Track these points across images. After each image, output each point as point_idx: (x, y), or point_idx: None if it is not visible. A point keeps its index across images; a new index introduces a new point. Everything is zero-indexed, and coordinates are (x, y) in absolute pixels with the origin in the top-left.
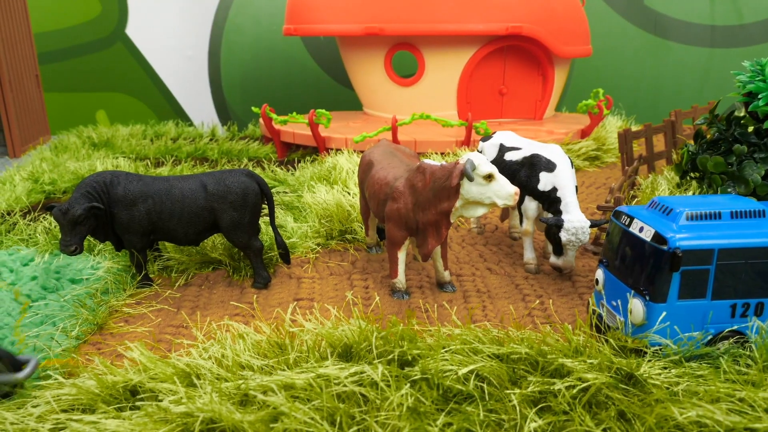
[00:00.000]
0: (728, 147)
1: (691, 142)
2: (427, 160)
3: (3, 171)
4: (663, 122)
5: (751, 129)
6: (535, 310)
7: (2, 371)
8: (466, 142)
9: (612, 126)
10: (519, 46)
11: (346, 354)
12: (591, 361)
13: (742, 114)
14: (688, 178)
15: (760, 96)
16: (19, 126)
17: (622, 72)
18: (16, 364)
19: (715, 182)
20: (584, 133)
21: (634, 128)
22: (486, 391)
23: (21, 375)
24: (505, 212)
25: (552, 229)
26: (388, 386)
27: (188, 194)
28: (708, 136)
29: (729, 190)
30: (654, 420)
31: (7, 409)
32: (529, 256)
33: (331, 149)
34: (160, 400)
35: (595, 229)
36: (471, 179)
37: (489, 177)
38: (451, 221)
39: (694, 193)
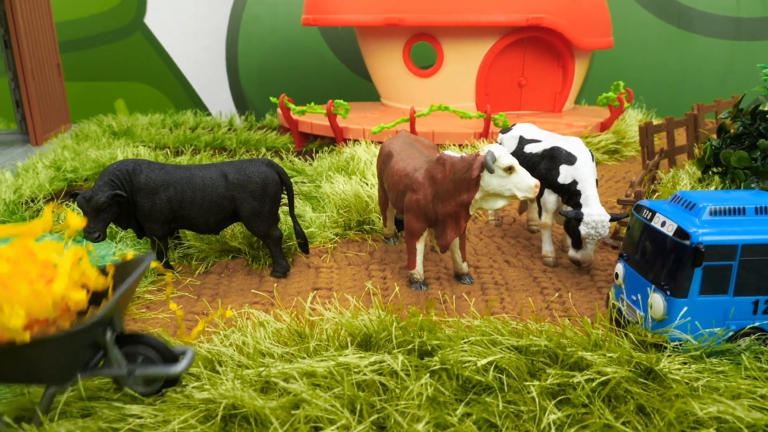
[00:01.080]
0: (752, 142)
1: (714, 136)
2: (447, 152)
3: (26, 159)
4: (685, 116)
5: None
6: (554, 303)
7: (158, 363)
8: (485, 134)
9: (632, 119)
10: (539, 38)
11: (366, 343)
12: (610, 355)
13: (767, 108)
14: (710, 173)
15: None
16: (41, 114)
17: (643, 64)
18: (172, 356)
19: (739, 177)
20: (604, 126)
21: (655, 122)
22: (505, 383)
23: (179, 368)
24: (524, 204)
25: (571, 223)
26: (408, 376)
27: (209, 183)
28: (732, 131)
29: (752, 185)
30: (674, 415)
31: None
32: (548, 248)
33: (349, 140)
34: (184, 386)
35: (615, 222)
36: (491, 171)
37: (509, 169)
38: (471, 213)
39: (716, 188)
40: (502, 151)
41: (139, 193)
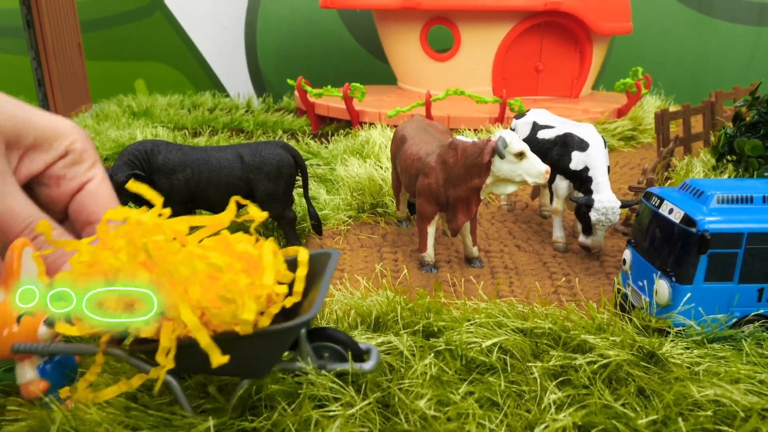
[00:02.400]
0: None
1: (730, 124)
2: (459, 137)
3: None
4: (702, 103)
5: None
6: (562, 288)
7: (346, 358)
8: (500, 119)
9: (650, 106)
10: (557, 23)
11: (375, 325)
12: (613, 338)
13: None
14: (724, 161)
15: None
16: (63, 94)
17: (664, 50)
18: (358, 350)
19: (752, 166)
20: (621, 113)
21: (672, 109)
22: (508, 364)
23: (367, 366)
24: (536, 190)
25: (582, 209)
26: (413, 355)
27: (225, 164)
28: (747, 119)
29: (766, 174)
30: (672, 397)
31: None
32: (558, 234)
33: (365, 123)
34: None
35: (626, 209)
36: (502, 157)
37: (520, 155)
38: (481, 198)
39: (729, 177)
40: (513, 136)
41: (157, 173)
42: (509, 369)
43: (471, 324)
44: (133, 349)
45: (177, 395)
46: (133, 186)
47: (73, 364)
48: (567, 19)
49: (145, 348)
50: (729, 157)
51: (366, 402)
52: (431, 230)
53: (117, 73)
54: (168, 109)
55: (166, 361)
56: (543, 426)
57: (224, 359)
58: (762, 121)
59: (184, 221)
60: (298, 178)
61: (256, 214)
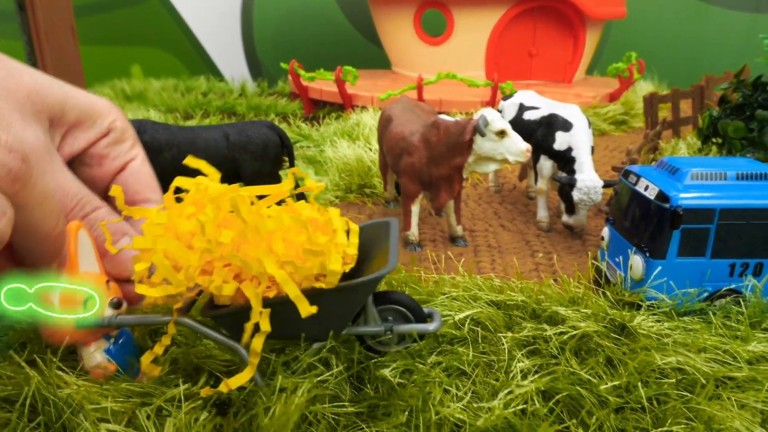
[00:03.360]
0: (752, 112)
1: (717, 107)
2: (442, 116)
3: None
4: (691, 87)
5: None
6: (542, 265)
7: (410, 320)
8: (492, 103)
9: (644, 91)
10: (550, 7)
11: None
12: (585, 311)
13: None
14: (709, 143)
15: None
16: (56, 78)
17: (660, 36)
18: (421, 313)
19: (735, 148)
20: (613, 97)
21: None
22: (480, 335)
23: (432, 327)
24: (524, 172)
25: (565, 188)
26: None
27: (212, 144)
28: (732, 101)
29: (748, 155)
30: (636, 365)
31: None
32: (542, 214)
33: (357, 106)
34: None
35: (610, 189)
36: (483, 135)
37: (501, 133)
38: (464, 176)
39: None
40: (494, 115)
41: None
42: (480, 340)
43: (446, 297)
44: (205, 314)
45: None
46: (192, 161)
47: (135, 348)
48: (560, 3)
49: (217, 313)
50: (714, 140)
51: (337, 369)
52: (415, 209)
53: (113, 58)
54: (162, 93)
55: (258, 319)
56: (506, 391)
57: (312, 309)
58: (747, 104)
59: (247, 191)
60: (285, 158)
61: (313, 184)
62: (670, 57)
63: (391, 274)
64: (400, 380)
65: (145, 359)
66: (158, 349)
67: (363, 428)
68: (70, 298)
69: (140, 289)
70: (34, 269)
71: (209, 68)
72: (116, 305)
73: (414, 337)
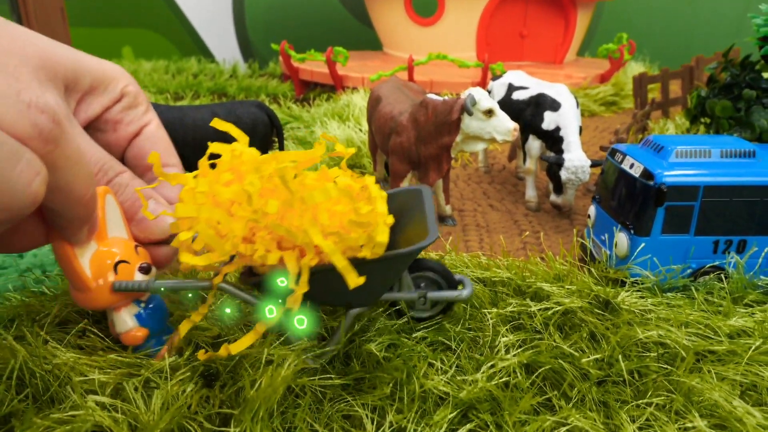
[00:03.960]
0: (740, 92)
1: (706, 87)
2: (430, 95)
3: None
4: (681, 68)
5: (767, 75)
6: (530, 243)
7: (443, 287)
8: (482, 83)
9: (634, 72)
10: None
11: None
12: (570, 287)
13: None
14: (698, 123)
15: None
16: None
17: (652, 17)
18: (452, 280)
19: (722, 127)
20: (603, 78)
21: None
22: (467, 312)
23: (464, 293)
24: (513, 152)
25: (553, 168)
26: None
27: (200, 123)
28: (720, 81)
29: (735, 135)
30: (618, 338)
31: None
32: (531, 194)
33: (348, 87)
34: None
35: (597, 168)
36: (470, 114)
37: (489, 112)
38: (452, 156)
39: None
40: (482, 94)
41: None
42: (466, 317)
43: None
44: (245, 281)
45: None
46: (219, 124)
47: (165, 311)
48: None
49: (256, 280)
50: (702, 119)
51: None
52: None
53: (103, 40)
54: (152, 74)
55: (299, 287)
56: (489, 365)
57: (360, 280)
58: (735, 83)
59: (285, 156)
60: (274, 138)
61: (343, 149)
62: (662, 38)
63: None
64: (386, 354)
65: (183, 327)
66: (196, 318)
67: (348, 401)
68: (100, 260)
69: (185, 257)
70: (66, 234)
71: (201, 50)
72: (146, 270)
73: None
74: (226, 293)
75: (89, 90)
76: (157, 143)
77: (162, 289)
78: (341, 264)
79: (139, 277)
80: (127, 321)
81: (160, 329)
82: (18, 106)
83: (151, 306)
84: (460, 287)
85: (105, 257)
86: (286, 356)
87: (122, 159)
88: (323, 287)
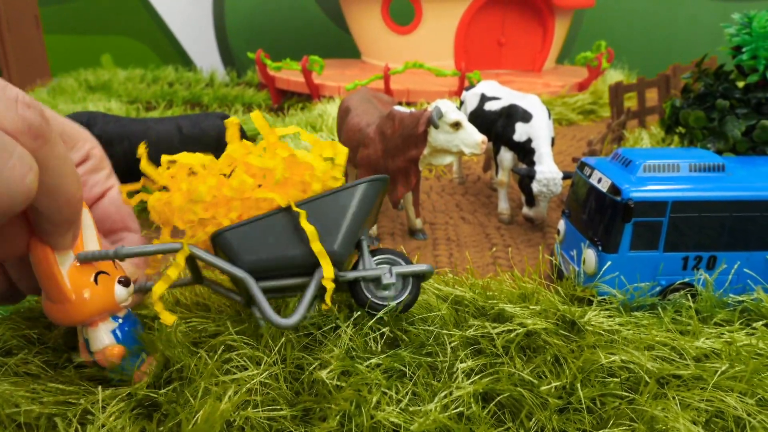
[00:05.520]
0: (714, 102)
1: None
2: (397, 107)
3: None
4: (657, 76)
5: (741, 84)
6: (500, 258)
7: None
8: (459, 92)
9: (613, 80)
10: None
11: None
12: (534, 307)
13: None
14: (673, 133)
15: (744, 49)
16: (19, 67)
17: (632, 25)
18: (409, 261)
19: (696, 137)
20: (582, 87)
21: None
22: (432, 334)
23: (425, 267)
24: (488, 163)
25: (524, 180)
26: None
27: (163, 136)
28: (695, 90)
29: (709, 145)
30: (580, 363)
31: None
32: (503, 206)
33: (325, 96)
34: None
35: (569, 180)
36: (436, 127)
37: (456, 125)
38: (420, 169)
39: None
40: (448, 107)
41: None
42: (431, 339)
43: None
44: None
45: (254, 291)
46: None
47: (141, 329)
48: None
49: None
50: (677, 129)
51: (277, 367)
52: None
53: (82, 48)
54: (127, 83)
55: None
56: (443, 394)
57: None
58: (709, 93)
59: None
60: None
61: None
62: (642, 46)
63: None
64: (337, 383)
65: (159, 287)
66: (172, 274)
67: None
68: (80, 270)
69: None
70: (51, 238)
71: (182, 58)
72: (125, 284)
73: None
74: (196, 257)
75: None
76: (120, 207)
77: (129, 254)
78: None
79: (119, 290)
80: (103, 338)
81: (136, 347)
82: (5, 100)
83: (128, 322)
84: None
85: (84, 267)
86: (227, 387)
87: None
88: (291, 236)
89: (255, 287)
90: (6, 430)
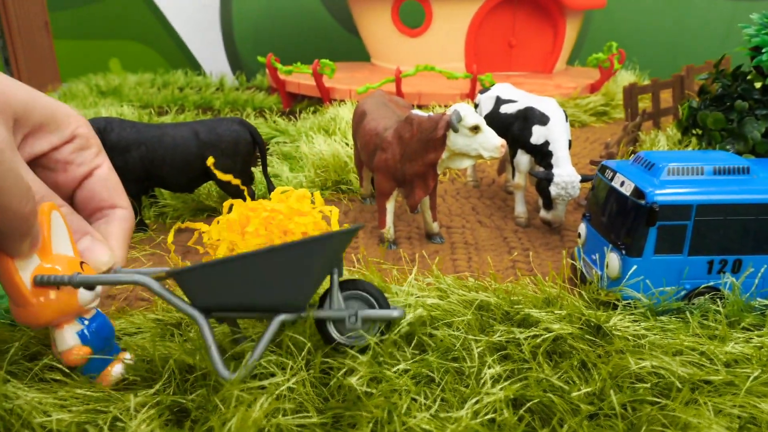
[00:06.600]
0: (732, 103)
1: (697, 97)
2: (415, 111)
3: None
4: (672, 77)
5: (758, 85)
6: (519, 262)
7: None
8: (471, 95)
9: (624, 81)
10: None
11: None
12: (559, 312)
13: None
14: (689, 135)
15: (763, 50)
16: (29, 73)
17: (641, 26)
18: (386, 302)
19: (715, 139)
20: (594, 88)
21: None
22: (450, 340)
23: (396, 313)
24: (502, 166)
25: (542, 183)
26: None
27: (180, 142)
28: (712, 92)
29: (728, 147)
30: (610, 369)
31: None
32: (520, 209)
33: (336, 100)
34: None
35: (587, 183)
36: (456, 130)
37: (475, 128)
38: (438, 173)
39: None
40: (467, 110)
41: (111, 151)
42: (450, 345)
43: (418, 297)
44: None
45: (205, 332)
46: None
47: (110, 329)
48: None
49: (178, 270)
50: (694, 131)
51: (304, 374)
52: (390, 206)
53: (90, 53)
54: (137, 88)
55: None
56: (474, 400)
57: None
58: (726, 94)
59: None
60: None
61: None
62: (652, 47)
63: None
64: (366, 389)
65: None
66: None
67: None
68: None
69: None
70: (5, 246)
71: (190, 62)
72: (91, 287)
73: (381, 327)
74: (152, 291)
75: (38, 127)
76: (108, 185)
77: (84, 282)
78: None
79: (84, 295)
80: (68, 339)
81: (105, 348)
82: None
83: (95, 323)
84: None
85: (47, 272)
86: (257, 396)
87: (72, 199)
88: (249, 283)
89: (207, 330)
90: None
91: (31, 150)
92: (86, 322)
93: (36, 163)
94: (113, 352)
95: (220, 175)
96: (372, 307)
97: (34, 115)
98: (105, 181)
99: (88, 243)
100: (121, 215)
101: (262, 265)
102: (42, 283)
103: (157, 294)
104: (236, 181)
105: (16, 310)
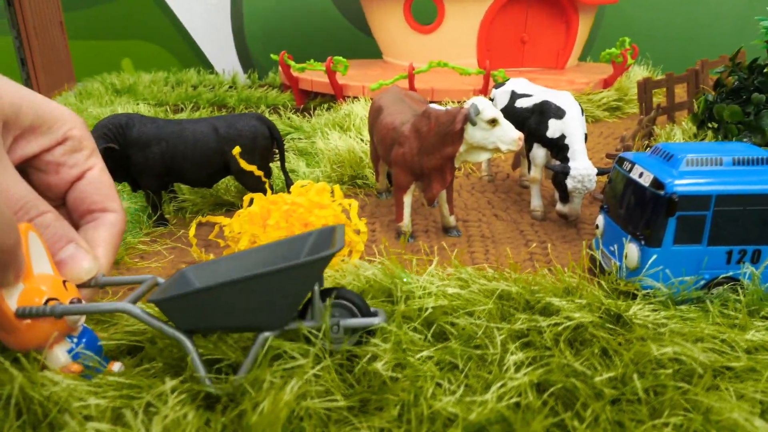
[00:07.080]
0: (749, 96)
1: (712, 91)
2: (433, 105)
3: None
4: (686, 71)
5: None
6: (536, 254)
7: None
8: (484, 91)
9: (638, 76)
10: None
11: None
12: (579, 301)
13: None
14: (705, 128)
15: None
16: (45, 72)
17: (654, 20)
18: (368, 309)
19: (731, 132)
20: (607, 83)
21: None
22: (472, 329)
23: (377, 320)
24: (517, 160)
25: (558, 177)
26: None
27: (200, 137)
28: (728, 85)
29: (745, 140)
30: (631, 355)
31: None
32: (536, 203)
33: (349, 97)
34: None
35: (603, 177)
36: (474, 124)
37: (493, 122)
38: (456, 166)
39: None
40: (485, 103)
41: (131, 147)
42: (472, 334)
43: (438, 287)
44: (150, 300)
45: (192, 355)
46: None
47: (99, 346)
48: None
49: (161, 298)
50: (709, 124)
51: (318, 365)
52: (407, 200)
53: (103, 53)
54: (151, 86)
55: None
56: (499, 384)
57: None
58: (742, 87)
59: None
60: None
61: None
62: (665, 41)
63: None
64: (392, 374)
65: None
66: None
67: (354, 424)
68: (29, 299)
69: None
70: None
71: (201, 61)
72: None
73: (361, 333)
74: (135, 318)
75: (29, 129)
76: (99, 188)
77: (65, 313)
78: None
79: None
80: (59, 357)
81: (96, 363)
82: None
83: (84, 339)
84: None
85: (33, 295)
86: (287, 380)
87: (63, 202)
88: (228, 308)
89: (193, 352)
90: (74, 420)
91: (22, 152)
92: (75, 339)
93: (27, 165)
94: (104, 363)
95: (244, 165)
96: (354, 315)
97: (26, 116)
98: (97, 183)
99: (72, 250)
100: (111, 220)
101: (241, 291)
102: (24, 315)
103: (141, 320)
104: (259, 172)
105: (6, 336)
